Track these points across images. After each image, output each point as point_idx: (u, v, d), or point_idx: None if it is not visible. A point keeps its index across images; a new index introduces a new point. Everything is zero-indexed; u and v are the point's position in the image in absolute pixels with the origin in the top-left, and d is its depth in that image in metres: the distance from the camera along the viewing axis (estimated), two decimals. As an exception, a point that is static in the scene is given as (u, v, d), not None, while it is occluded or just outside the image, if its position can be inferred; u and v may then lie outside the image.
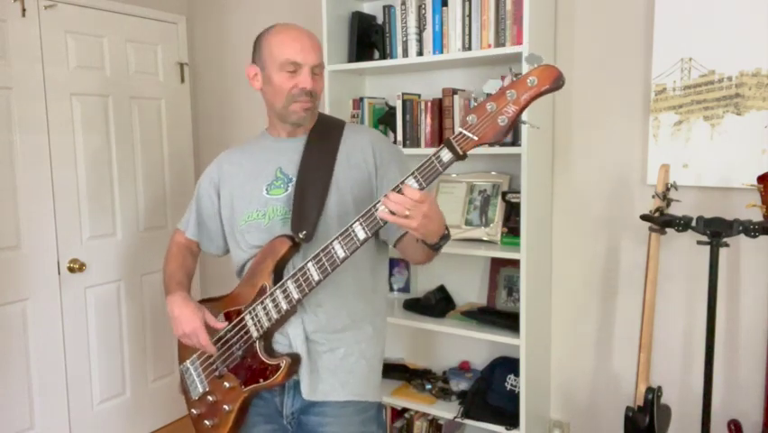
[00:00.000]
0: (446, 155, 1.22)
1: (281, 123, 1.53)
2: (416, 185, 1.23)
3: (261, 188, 1.52)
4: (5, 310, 2.54)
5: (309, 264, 1.37)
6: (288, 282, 1.40)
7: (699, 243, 1.86)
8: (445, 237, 1.33)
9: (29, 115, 2.57)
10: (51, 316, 2.69)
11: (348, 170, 1.50)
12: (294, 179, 1.49)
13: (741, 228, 1.80)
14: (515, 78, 1.18)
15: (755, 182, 1.85)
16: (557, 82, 1.14)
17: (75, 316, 2.78)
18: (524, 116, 1.21)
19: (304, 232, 1.43)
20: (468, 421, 2.36)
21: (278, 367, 1.45)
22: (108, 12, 2.86)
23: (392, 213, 1.21)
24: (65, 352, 2.75)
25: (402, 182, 1.23)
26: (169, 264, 1.66)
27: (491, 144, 1.21)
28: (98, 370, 2.89)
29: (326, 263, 1.35)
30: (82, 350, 2.82)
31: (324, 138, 1.53)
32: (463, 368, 2.64)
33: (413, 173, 1.24)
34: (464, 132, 1.20)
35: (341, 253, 1.33)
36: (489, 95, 2.37)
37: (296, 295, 1.40)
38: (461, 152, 1.21)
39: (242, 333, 1.49)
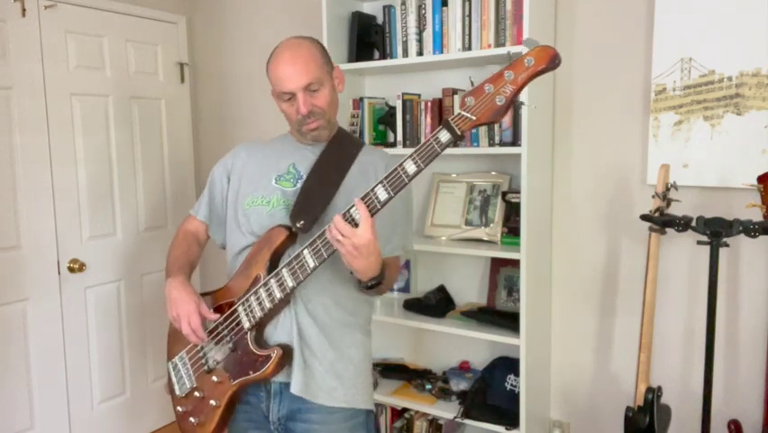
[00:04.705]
0: (444, 136, 1.23)
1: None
2: (413, 167, 1.25)
3: (271, 177, 1.53)
4: (5, 310, 2.54)
5: (305, 251, 1.37)
6: (283, 270, 1.39)
7: (699, 243, 1.86)
8: (376, 284, 1.37)
9: (29, 115, 2.57)
10: (51, 316, 2.69)
11: (359, 180, 1.51)
12: (305, 177, 1.51)
13: (741, 228, 1.80)
14: (512, 60, 1.19)
15: (755, 182, 1.85)
16: (553, 62, 1.16)
17: (75, 316, 2.78)
18: (524, 99, 1.22)
19: (302, 222, 1.43)
20: (468, 421, 2.36)
21: (268, 358, 1.41)
22: (108, 12, 2.86)
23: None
24: (65, 352, 2.75)
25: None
26: (174, 251, 1.65)
27: (490, 124, 1.22)
28: (98, 370, 2.89)
29: (322, 248, 1.35)
30: (82, 350, 2.82)
31: (341, 149, 1.56)
32: (463, 368, 2.64)
33: (411, 156, 1.25)
34: (463, 112, 1.22)
35: None
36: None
37: (290, 283, 1.38)
38: (459, 132, 1.22)
39: (233, 325, 1.47)
